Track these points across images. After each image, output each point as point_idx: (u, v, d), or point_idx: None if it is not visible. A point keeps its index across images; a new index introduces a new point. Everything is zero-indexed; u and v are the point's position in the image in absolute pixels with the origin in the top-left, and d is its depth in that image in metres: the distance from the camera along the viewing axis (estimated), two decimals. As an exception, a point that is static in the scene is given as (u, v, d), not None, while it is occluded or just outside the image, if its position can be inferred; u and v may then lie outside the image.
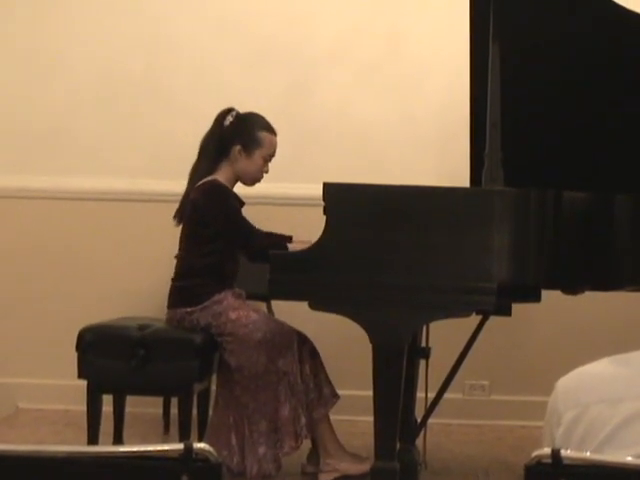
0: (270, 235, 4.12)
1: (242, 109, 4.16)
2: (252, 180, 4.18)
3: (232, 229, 4.04)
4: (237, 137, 4.11)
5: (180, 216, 4.15)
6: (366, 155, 5.03)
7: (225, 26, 5.09)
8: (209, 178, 4.08)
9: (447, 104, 4.89)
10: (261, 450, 3.95)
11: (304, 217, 4.47)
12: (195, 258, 4.10)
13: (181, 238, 4.16)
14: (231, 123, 4.12)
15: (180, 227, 4.17)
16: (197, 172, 4.12)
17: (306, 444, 4.05)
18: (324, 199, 3.43)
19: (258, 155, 4.13)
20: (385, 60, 5.06)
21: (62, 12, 5.13)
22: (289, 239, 4.06)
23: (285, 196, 4.99)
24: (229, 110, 4.15)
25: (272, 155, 4.17)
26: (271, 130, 4.16)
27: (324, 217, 3.44)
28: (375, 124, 5.06)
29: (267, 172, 4.17)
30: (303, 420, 3.96)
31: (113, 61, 5.12)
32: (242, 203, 4.14)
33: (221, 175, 4.11)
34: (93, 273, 5.09)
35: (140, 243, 5.03)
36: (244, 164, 4.12)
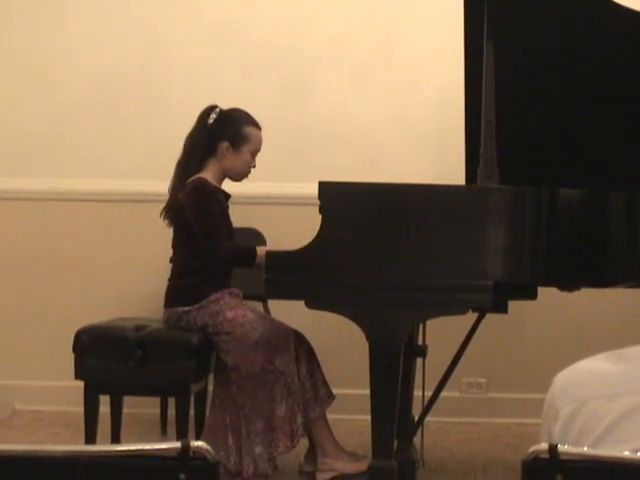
0: (238, 250, 4.05)
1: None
2: (240, 175, 4.17)
3: (203, 232, 4.00)
4: (224, 134, 4.10)
5: (168, 214, 4.14)
6: (362, 155, 5.03)
7: (219, 29, 5.09)
8: (196, 177, 4.07)
9: (442, 103, 4.89)
10: (257, 450, 3.94)
11: (301, 216, 4.46)
12: (187, 259, 4.10)
13: (173, 240, 4.17)
14: (215, 120, 4.11)
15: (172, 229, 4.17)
16: (184, 169, 4.11)
17: (303, 443, 4.05)
18: (319, 198, 3.43)
19: (246, 150, 4.12)
20: (380, 61, 5.06)
21: (57, 17, 5.13)
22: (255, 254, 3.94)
23: (282, 195, 4.99)
24: (212, 107, 4.14)
25: (258, 149, 4.16)
26: (256, 125, 4.15)
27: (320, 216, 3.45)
28: (371, 124, 5.06)
29: (254, 167, 4.16)
30: (299, 420, 3.95)
31: (108, 64, 5.11)
32: (227, 196, 4.14)
33: (209, 173, 4.10)
34: (89, 274, 5.09)
35: (135, 244, 5.03)
36: (232, 160, 4.11)
